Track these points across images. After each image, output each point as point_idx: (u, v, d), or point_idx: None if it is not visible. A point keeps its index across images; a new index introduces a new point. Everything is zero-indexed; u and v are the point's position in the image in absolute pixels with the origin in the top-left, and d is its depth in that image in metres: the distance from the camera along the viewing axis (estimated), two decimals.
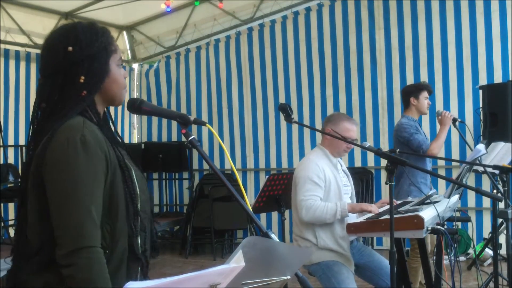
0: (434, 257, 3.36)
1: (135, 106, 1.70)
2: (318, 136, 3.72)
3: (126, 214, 1.58)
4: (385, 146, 6.68)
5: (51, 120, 1.59)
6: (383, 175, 6.34)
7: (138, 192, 1.63)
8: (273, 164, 7.43)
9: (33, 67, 7.01)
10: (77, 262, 1.45)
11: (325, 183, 3.38)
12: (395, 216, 2.68)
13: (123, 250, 1.58)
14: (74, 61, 1.62)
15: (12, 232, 6.22)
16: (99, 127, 1.62)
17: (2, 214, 6.16)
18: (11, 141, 6.88)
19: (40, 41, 7.06)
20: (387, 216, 2.79)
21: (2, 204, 6.22)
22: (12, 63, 6.85)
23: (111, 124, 1.76)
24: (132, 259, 1.60)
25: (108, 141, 1.62)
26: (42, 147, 1.56)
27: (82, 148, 1.52)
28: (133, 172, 1.65)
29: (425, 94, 4.50)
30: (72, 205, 1.49)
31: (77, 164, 1.51)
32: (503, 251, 4.65)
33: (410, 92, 4.53)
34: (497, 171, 3.69)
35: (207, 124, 1.69)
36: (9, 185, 6.32)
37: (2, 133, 6.16)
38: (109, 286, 1.48)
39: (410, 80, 6.50)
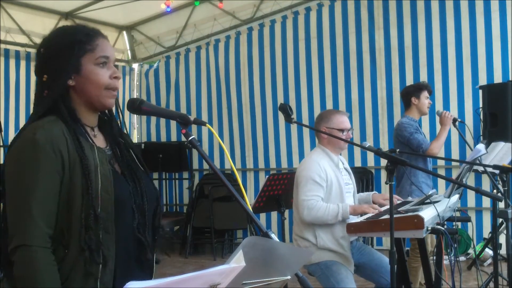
0: (434, 257, 3.36)
1: (135, 106, 1.69)
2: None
3: (80, 213, 1.56)
4: (385, 146, 6.68)
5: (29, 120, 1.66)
6: (383, 175, 6.35)
7: (99, 190, 1.58)
8: (273, 164, 7.43)
9: (33, 67, 6.99)
10: (15, 260, 1.50)
11: (326, 183, 3.38)
12: (395, 216, 2.68)
13: (78, 249, 1.56)
14: (42, 60, 1.69)
15: None
16: (68, 126, 1.61)
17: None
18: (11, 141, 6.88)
19: (40, 41, 7.07)
20: (387, 216, 2.79)
21: (2, 204, 6.22)
22: (12, 63, 6.85)
23: (115, 124, 1.77)
24: (88, 260, 1.56)
25: (74, 141, 1.60)
26: (8, 149, 1.63)
27: (32, 148, 1.54)
28: (98, 170, 1.61)
29: (425, 93, 4.51)
30: (14, 204, 1.54)
31: (22, 165, 1.55)
32: (503, 251, 4.65)
33: (410, 92, 4.54)
34: (497, 171, 3.69)
35: (207, 124, 1.69)
36: None
37: (2, 133, 6.16)
38: (49, 285, 1.48)
39: (409, 81, 6.50)
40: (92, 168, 1.59)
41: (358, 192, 3.74)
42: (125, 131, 1.84)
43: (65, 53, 1.65)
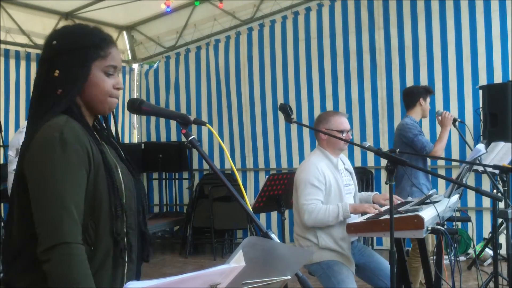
0: (434, 257, 3.37)
1: (135, 106, 1.70)
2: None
3: (109, 211, 1.57)
4: (385, 146, 6.68)
5: (36, 118, 1.61)
6: (383, 175, 6.35)
7: (123, 188, 1.62)
8: (273, 164, 7.43)
9: (33, 67, 7.01)
10: (53, 258, 1.46)
11: (325, 185, 3.37)
12: (395, 216, 2.68)
13: (108, 247, 1.57)
14: (54, 53, 1.63)
15: None
16: (82, 125, 1.61)
17: (2, 214, 6.16)
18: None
19: (40, 41, 7.07)
20: (387, 216, 2.79)
21: (2, 204, 6.22)
22: (12, 63, 6.85)
23: (111, 127, 1.78)
24: (117, 257, 1.59)
25: (93, 139, 1.61)
26: (23, 146, 1.59)
27: (60, 146, 1.52)
28: (118, 168, 1.64)
29: (429, 98, 4.53)
30: (49, 202, 1.50)
31: (54, 163, 1.52)
32: (503, 251, 4.65)
33: (419, 93, 4.52)
34: (497, 171, 3.69)
35: (207, 124, 1.69)
36: None
37: (3, 133, 6.15)
38: (88, 283, 1.48)
39: (409, 80, 6.50)
40: (114, 167, 1.62)
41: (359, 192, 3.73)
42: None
43: (80, 54, 1.63)
